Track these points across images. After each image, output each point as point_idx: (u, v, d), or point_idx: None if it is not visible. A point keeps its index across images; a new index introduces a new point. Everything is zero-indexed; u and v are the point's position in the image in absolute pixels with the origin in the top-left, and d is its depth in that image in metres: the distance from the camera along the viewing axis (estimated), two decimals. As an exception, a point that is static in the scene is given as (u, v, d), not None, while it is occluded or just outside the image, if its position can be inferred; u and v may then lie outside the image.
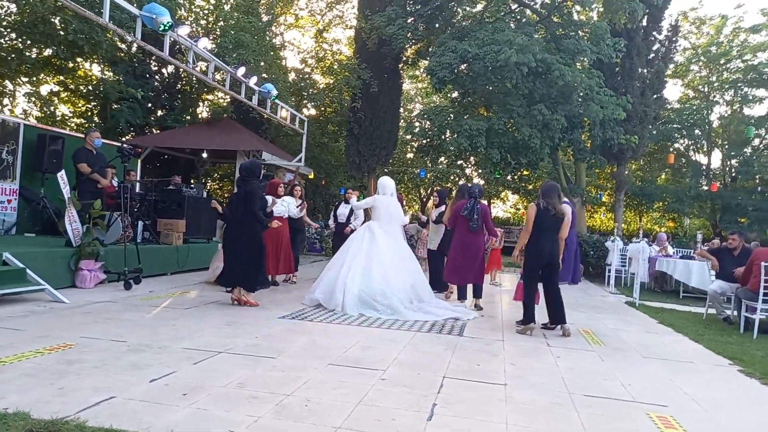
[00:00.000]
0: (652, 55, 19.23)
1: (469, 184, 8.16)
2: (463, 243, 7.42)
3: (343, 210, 10.14)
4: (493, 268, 11.24)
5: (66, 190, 7.42)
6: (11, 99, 16.20)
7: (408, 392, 3.72)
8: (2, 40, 13.33)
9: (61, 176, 7.49)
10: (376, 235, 7.27)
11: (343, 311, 6.59)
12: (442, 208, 9.25)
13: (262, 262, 6.69)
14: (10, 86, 15.55)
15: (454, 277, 7.64)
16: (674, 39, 20.24)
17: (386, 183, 7.84)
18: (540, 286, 6.20)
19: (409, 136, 23.73)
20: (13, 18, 13.09)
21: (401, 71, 20.37)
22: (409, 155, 28.16)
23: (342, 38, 22.68)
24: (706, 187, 26.41)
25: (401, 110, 22.43)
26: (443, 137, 17.08)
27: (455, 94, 19.60)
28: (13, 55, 13.32)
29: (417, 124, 20.18)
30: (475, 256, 7.45)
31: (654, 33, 19.09)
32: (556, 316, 6.12)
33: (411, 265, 7.57)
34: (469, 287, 7.73)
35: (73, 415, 2.89)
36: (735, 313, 7.81)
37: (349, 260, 7.11)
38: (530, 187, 27.17)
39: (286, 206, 8.59)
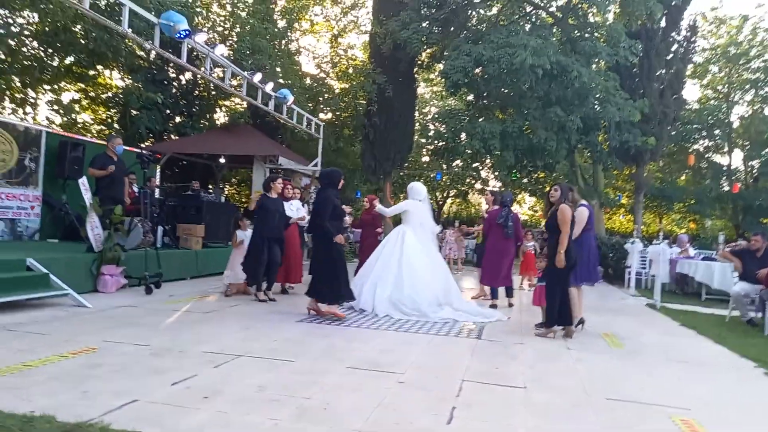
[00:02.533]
0: (670, 55, 19.00)
1: (502, 192, 8.48)
2: (499, 249, 8.02)
3: None
4: (529, 272, 10.70)
5: (87, 197, 7.53)
6: (33, 107, 16.50)
7: (426, 395, 3.72)
8: (24, 49, 13.61)
9: (83, 182, 7.62)
10: (407, 241, 7.32)
11: (372, 312, 6.81)
12: None
13: (327, 275, 6.32)
14: (32, 94, 15.86)
15: (493, 280, 8.11)
16: (693, 39, 19.96)
17: (418, 188, 7.86)
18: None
19: (424, 140, 23.72)
20: (35, 27, 13.37)
21: (416, 75, 20.36)
22: (425, 158, 28.12)
23: (357, 43, 22.78)
24: (727, 188, 25.99)
25: (416, 113, 22.41)
26: (458, 140, 17.04)
27: (470, 97, 19.56)
28: (35, 64, 13.60)
29: (432, 127, 20.15)
30: (508, 260, 8.14)
31: (673, 34, 18.87)
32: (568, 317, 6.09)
33: (441, 270, 7.58)
34: (501, 289, 8.25)
35: (98, 418, 2.94)
36: (759, 314, 7.67)
37: (380, 266, 7.27)
38: (547, 189, 26.96)
39: (295, 210, 8.29)
